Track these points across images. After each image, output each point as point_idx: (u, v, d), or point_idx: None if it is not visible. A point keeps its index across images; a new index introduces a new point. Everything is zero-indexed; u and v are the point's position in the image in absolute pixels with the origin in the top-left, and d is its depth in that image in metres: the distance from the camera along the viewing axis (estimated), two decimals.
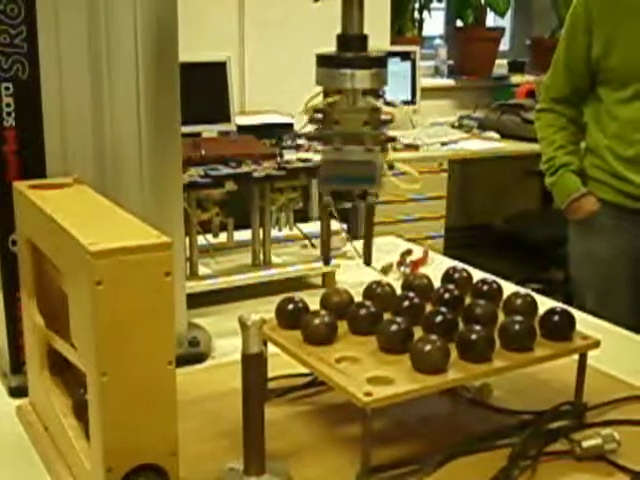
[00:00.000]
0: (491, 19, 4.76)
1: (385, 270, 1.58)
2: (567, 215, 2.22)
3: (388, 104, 0.98)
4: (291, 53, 3.66)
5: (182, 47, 1.12)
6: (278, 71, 3.62)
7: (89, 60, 1.05)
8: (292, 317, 1.00)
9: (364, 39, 0.96)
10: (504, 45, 4.87)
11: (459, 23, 4.69)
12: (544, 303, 1.11)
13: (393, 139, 0.99)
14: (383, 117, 0.97)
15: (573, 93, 2.18)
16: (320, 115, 0.97)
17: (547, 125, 2.23)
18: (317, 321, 0.96)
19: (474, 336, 0.92)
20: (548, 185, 2.25)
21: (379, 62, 0.95)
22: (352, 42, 0.95)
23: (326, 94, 0.97)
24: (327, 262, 1.08)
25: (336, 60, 0.95)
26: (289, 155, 1.55)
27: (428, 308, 1.02)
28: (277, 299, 1.04)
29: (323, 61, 0.95)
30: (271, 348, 0.98)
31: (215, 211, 1.41)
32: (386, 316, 1.00)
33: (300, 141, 3.38)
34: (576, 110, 2.21)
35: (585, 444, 0.93)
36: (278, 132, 3.36)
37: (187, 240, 1.32)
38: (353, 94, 0.95)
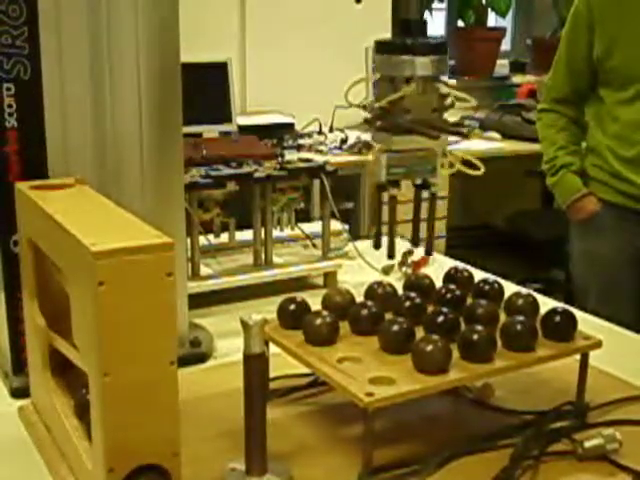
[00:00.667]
0: (492, 19, 4.76)
1: (386, 270, 1.58)
2: (569, 215, 2.22)
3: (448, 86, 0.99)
4: (292, 53, 3.66)
5: (183, 47, 1.12)
6: (279, 71, 3.62)
7: (91, 61, 1.05)
8: (294, 317, 1.00)
9: (425, 24, 0.98)
10: (505, 45, 4.87)
11: (460, 23, 4.69)
12: (545, 303, 1.11)
13: (460, 124, 1.00)
14: (447, 102, 0.99)
15: (574, 93, 2.18)
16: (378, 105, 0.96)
17: (548, 125, 2.23)
18: (319, 321, 0.96)
19: (476, 336, 0.92)
20: (549, 185, 2.25)
21: (443, 48, 0.97)
22: (415, 28, 0.96)
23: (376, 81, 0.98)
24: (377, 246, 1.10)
25: (409, 47, 0.94)
26: (290, 155, 1.55)
27: (430, 308, 1.02)
28: (279, 299, 1.04)
29: (391, 48, 0.95)
30: (273, 348, 0.98)
31: (216, 211, 1.42)
32: (388, 316, 1.00)
33: (301, 141, 3.38)
34: (577, 110, 2.21)
35: (587, 444, 0.93)
36: (279, 132, 3.36)
37: (189, 240, 1.33)
38: (423, 81, 0.95)
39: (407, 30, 0.96)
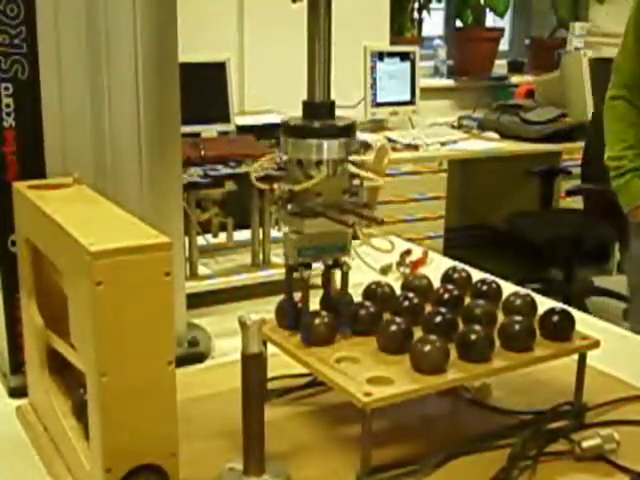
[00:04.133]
0: (490, 19, 4.76)
1: (384, 270, 1.58)
2: (630, 218, 2.21)
3: (355, 165, 0.98)
4: (291, 53, 3.66)
5: (182, 47, 1.12)
6: (277, 71, 3.62)
7: (88, 60, 1.05)
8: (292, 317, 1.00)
9: (332, 105, 0.97)
10: (503, 45, 4.88)
11: (458, 23, 4.70)
12: (543, 303, 1.11)
13: (367, 205, 0.99)
14: (355, 183, 0.97)
15: None
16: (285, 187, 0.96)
17: (618, 119, 2.18)
18: (317, 321, 0.96)
19: (474, 336, 0.92)
20: (614, 186, 2.21)
21: (352, 129, 0.96)
22: (321, 109, 0.96)
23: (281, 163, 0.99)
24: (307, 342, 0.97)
25: (317, 131, 0.94)
26: None
27: (428, 308, 1.02)
28: (277, 299, 1.04)
29: (299, 132, 0.95)
30: (271, 348, 0.98)
31: (215, 211, 1.42)
32: (386, 316, 1.00)
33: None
34: None
35: (585, 444, 0.93)
36: (277, 132, 3.35)
37: (187, 240, 1.32)
38: (333, 164, 0.95)
39: (315, 113, 0.95)
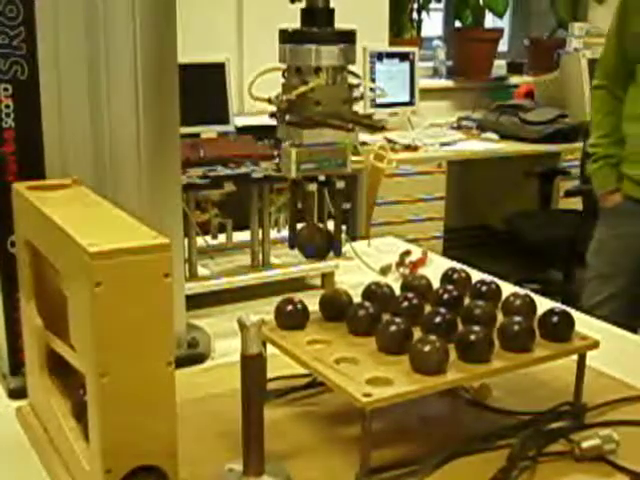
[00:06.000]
0: (490, 20, 4.76)
1: (384, 271, 1.58)
2: (599, 201, 2.37)
3: (359, 77, 0.95)
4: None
5: (181, 48, 1.12)
6: (277, 72, 3.62)
7: (88, 61, 1.05)
8: (291, 318, 1.00)
9: (332, 12, 0.93)
10: (503, 46, 4.88)
11: (458, 24, 4.69)
12: (543, 304, 1.12)
13: (372, 116, 0.97)
14: (357, 93, 0.94)
15: (624, 66, 2.23)
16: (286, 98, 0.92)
17: (597, 108, 2.33)
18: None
19: (473, 337, 0.92)
20: (588, 172, 2.39)
21: (352, 36, 0.92)
22: (322, 16, 0.92)
23: (283, 72, 0.94)
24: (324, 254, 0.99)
25: (315, 36, 0.90)
26: None
27: (427, 309, 1.02)
28: (276, 300, 1.04)
29: (296, 37, 0.91)
30: (270, 349, 0.98)
31: (214, 212, 1.41)
32: (385, 317, 0.99)
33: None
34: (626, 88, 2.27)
35: (584, 445, 0.93)
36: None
37: (186, 241, 1.32)
38: (332, 71, 0.91)
39: (313, 19, 0.91)
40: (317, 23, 0.91)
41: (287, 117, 0.91)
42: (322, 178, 0.95)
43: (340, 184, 0.96)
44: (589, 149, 2.36)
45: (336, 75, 0.92)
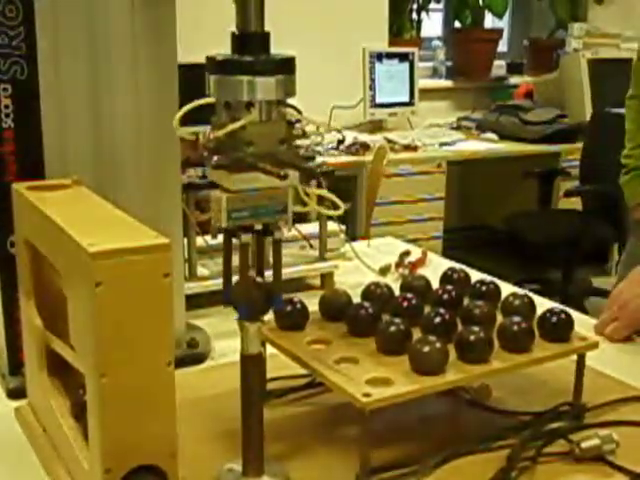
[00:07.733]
0: (489, 20, 4.77)
1: (383, 271, 1.58)
2: (632, 214, 2.28)
3: (299, 112, 0.82)
4: (289, 54, 3.66)
5: (181, 48, 1.12)
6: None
7: (88, 61, 1.05)
8: (291, 318, 1.00)
9: (267, 37, 0.80)
10: (502, 46, 4.89)
11: (457, 24, 4.70)
12: (542, 304, 1.12)
13: (312, 158, 0.86)
14: (296, 132, 0.81)
15: None
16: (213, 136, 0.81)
17: (631, 119, 2.26)
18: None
19: (472, 337, 0.92)
20: (620, 184, 2.30)
21: (291, 65, 0.80)
22: (254, 42, 0.79)
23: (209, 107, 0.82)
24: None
25: (248, 66, 0.76)
26: None
27: (426, 309, 1.02)
28: None
29: (226, 67, 0.79)
30: (270, 349, 0.98)
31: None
32: (384, 317, 0.99)
33: (298, 141, 3.38)
34: None
35: (584, 445, 0.93)
36: None
37: (186, 241, 1.32)
38: (267, 107, 0.78)
39: (246, 46, 0.78)
40: (250, 50, 0.79)
41: (215, 159, 0.80)
42: (259, 227, 0.82)
43: (278, 234, 0.82)
44: (622, 160, 2.27)
45: (271, 111, 0.79)
